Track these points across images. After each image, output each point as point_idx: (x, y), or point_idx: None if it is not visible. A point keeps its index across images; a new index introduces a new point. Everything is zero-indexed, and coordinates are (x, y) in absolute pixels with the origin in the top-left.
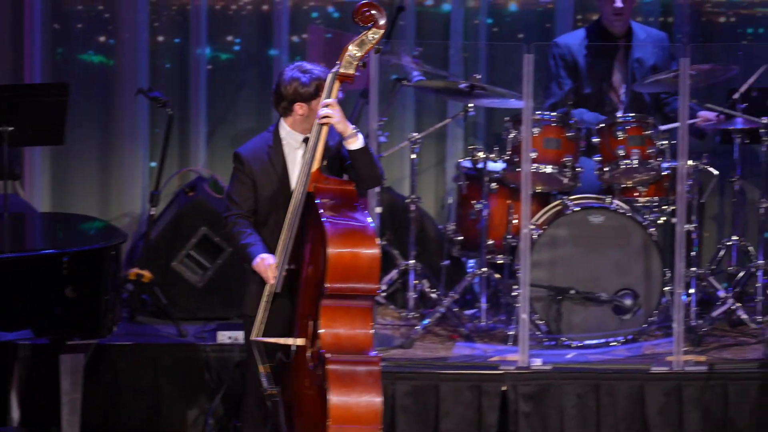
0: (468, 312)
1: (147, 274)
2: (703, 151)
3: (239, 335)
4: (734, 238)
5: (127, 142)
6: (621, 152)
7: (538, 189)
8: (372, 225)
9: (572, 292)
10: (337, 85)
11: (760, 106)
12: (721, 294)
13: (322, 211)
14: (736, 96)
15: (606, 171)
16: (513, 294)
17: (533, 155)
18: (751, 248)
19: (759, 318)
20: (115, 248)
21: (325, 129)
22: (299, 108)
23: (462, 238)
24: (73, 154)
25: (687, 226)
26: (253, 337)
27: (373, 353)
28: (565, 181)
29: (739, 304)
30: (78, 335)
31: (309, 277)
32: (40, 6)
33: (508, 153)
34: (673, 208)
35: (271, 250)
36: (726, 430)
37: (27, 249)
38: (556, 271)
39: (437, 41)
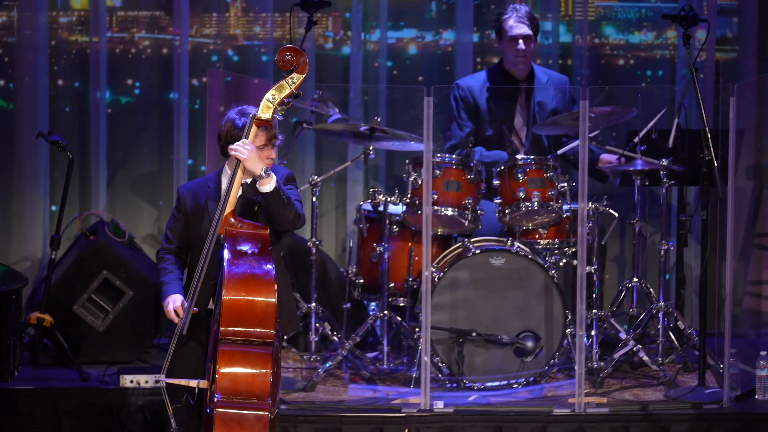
0: (370, 354)
1: (48, 318)
2: (603, 193)
3: (141, 379)
4: (635, 279)
5: (27, 185)
6: (521, 194)
7: (439, 231)
8: (273, 272)
9: (474, 334)
10: (254, 128)
11: (660, 148)
12: (623, 336)
13: (227, 255)
14: (636, 139)
15: (507, 213)
16: (415, 336)
17: (434, 198)
18: (651, 290)
19: (660, 359)
20: (16, 292)
21: (240, 174)
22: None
23: (363, 280)
24: None
25: (588, 268)
26: (161, 378)
27: (268, 400)
28: (466, 223)
29: (640, 346)
30: None
31: (214, 320)
32: None
33: (408, 195)
34: (574, 250)
35: (181, 289)
36: None
37: None
38: (458, 314)
39: (337, 84)
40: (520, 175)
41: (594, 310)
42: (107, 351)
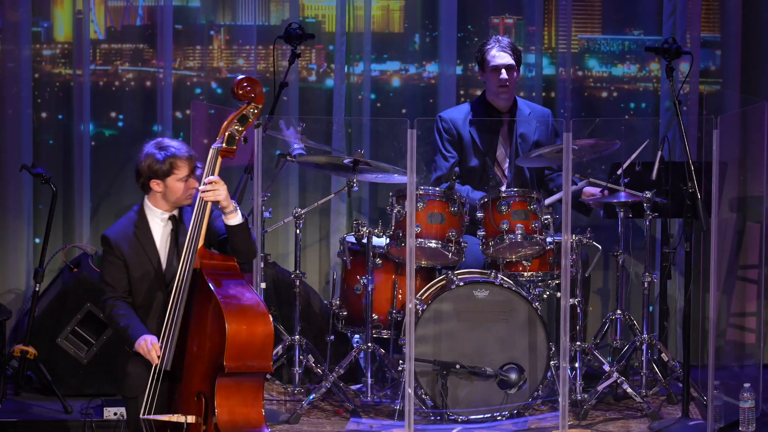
0: (354, 387)
1: (32, 350)
2: (586, 226)
3: (125, 411)
4: (618, 311)
5: (11, 218)
6: (505, 226)
7: (423, 264)
8: (263, 302)
9: (458, 366)
10: (219, 160)
11: (643, 180)
12: (606, 368)
13: (214, 288)
14: (620, 171)
15: (490, 245)
16: (398, 369)
17: (417, 230)
18: (635, 322)
19: (644, 391)
20: None
21: (209, 205)
22: (155, 185)
23: (347, 313)
24: None
25: (571, 300)
26: (142, 416)
27: (267, 430)
28: (450, 255)
29: (623, 378)
30: None
31: (198, 354)
32: None
33: (392, 228)
34: (558, 282)
35: (154, 330)
36: None
37: None
38: (442, 346)
39: (321, 116)
40: (503, 208)
41: (578, 342)
42: (91, 383)
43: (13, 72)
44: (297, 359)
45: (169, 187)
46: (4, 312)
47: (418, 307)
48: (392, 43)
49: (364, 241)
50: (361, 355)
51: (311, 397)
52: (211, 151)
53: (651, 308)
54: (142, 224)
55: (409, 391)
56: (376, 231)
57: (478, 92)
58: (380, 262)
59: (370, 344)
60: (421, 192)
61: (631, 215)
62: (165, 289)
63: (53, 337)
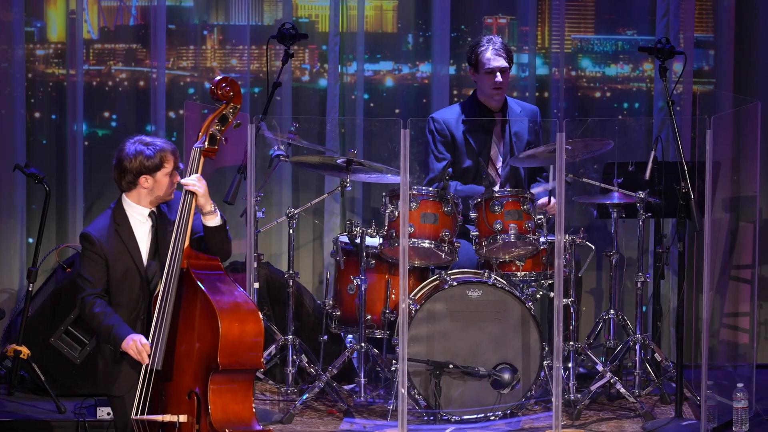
0: (347, 387)
1: (25, 350)
2: (580, 226)
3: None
4: (612, 311)
5: (4, 218)
6: (498, 226)
7: (416, 264)
8: (251, 299)
9: (451, 366)
10: (202, 160)
11: (636, 180)
12: (600, 368)
13: (204, 287)
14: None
15: (484, 245)
16: (392, 368)
17: (411, 230)
18: (628, 322)
19: (637, 391)
20: None
21: (194, 204)
22: (144, 181)
23: (340, 313)
24: None
25: (565, 300)
26: (134, 416)
27: (259, 426)
28: (443, 255)
29: (617, 378)
30: None
31: (188, 353)
32: None
33: (385, 228)
34: (551, 282)
35: (137, 329)
36: None
37: None
38: (435, 346)
39: (314, 116)
40: (497, 208)
41: (571, 342)
42: (84, 383)
43: (6, 72)
44: (290, 359)
45: (157, 181)
46: None
47: (412, 307)
48: (385, 43)
49: (358, 241)
50: (355, 355)
51: (304, 397)
52: (192, 151)
53: (644, 308)
54: (122, 222)
55: (402, 391)
56: (370, 231)
57: (471, 92)
58: (373, 262)
59: (363, 344)
60: (414, 192)
61: (624, 215)
62: (146, 287)
63: (46, 336)
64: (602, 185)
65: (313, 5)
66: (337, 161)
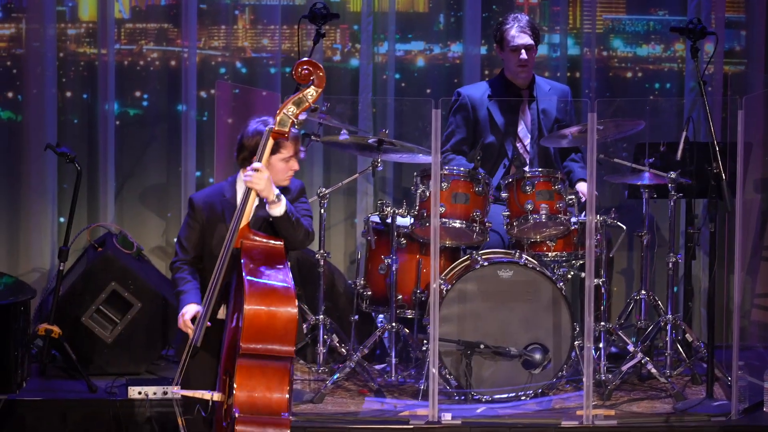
0: (378, 367)
1: (56, 329)
2: (611, 206)
3: (149, 390)
4: (643, 292)
5: (35, 197)
6: (529, 207)
7: (447, 243)
8: (293, 286)
9: (482, 346)
10: (270, 142)
11: (668, 161)
12: (631, 348)
13: (244, 268)
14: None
15: (515, 225)
16: (423, 348)
17: (442, 210)
18: (659, 302)
19: (668, 372)
20: (24, 304)
21: (253, 193)
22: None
23: (371, 292)
24: None
25: (596, 281)
26: (172, 390)
27: (285, 415)
28: (474, 235)
29: (648, 358)
30: None
31: (230, 333)
32: None
33: (416, 208)
34: (582, 262)
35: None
36: None
37: None
38: (466, 326)
39: (345, 96)
40: (528, 188)
41: (602, 323)
42: (115, 362)
43: (37, 51)
44: (321, 339)
45: (272, 164)
46: (29, 291)
47: (443, 286)
48: (417, 23)
49: (389, 220)
50: (386, 334)
51: (335, 376)
52: (264, 131)
53: (675, 289)
54: (230, 195)
55: (434, 371)
56: (401, 211)
57: None
58: (404, 241)
59: (394, 324)
60: (445, 172)
61: (655, 196)
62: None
63: (78, 316)
64: (633, 165)
65: None
66: (369, 141)
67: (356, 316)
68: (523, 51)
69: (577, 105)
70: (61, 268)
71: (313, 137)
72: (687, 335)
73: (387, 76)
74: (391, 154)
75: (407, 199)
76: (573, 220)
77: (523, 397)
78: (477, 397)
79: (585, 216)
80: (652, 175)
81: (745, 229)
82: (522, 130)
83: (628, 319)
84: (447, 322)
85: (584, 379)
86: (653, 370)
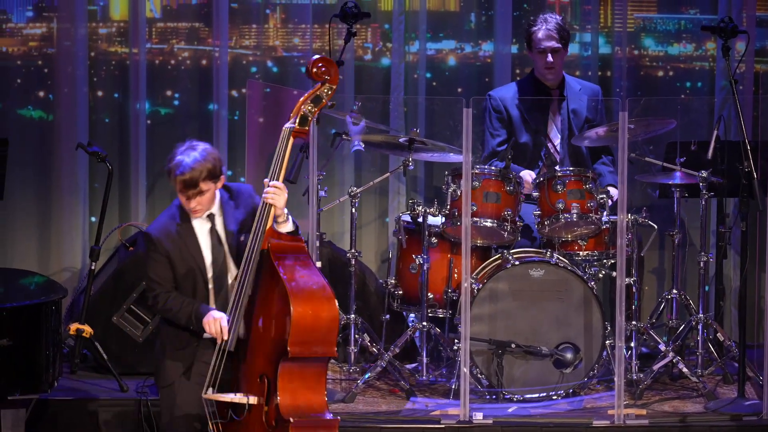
0: (409, 366)
1: (87, 328)
2: (642, 205)
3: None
4: (674, 291)
5: (66, 196)
6: (560, 206)
7: (479, 243)
8: (329, 286)
9: (513, 345)
10: (291, 141)
11: (699, 160)
12: (662, 347)
13: (280, 270)
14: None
15: (546, 225)
16: (454, 348)
17: (473, 209)
18: (691, 301)
19: (699, 371)
20: (55, 303)
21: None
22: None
23: (402, 292)
24: (12, 209)
25: (627, 280)
26: (204, 395)
27: (329, 416)
28: (506, 235)
29: (679, 358)
30: (18, 390)
31: (263, 335)
32: None
33: (448, 207)
34: (613, 261)
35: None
36: None
37: None
38: (497, 325)
39: (377, 95)
40: (559, 187)
41: (633, 322)
42: (146, 362)
43: (69, 51)
44: (352, 338)
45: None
46: (60, 290)
47: (474, 286)
48: (448, 22)
49: (420, 220)
50: (417, 334)
51: (366, 376)
52: (283, 130)
53: (707, 288)
54: (184, 221)
55: (465, 370)
56: (432, 210)
57: None
58: (436, 241)
59: (425, 323)
60: (476, 171)
61: (686, 195)
62: (207, 286)
63: (109, 315)
64: (665, 165)
65: None
66: (400, 140)
67: (387, 316)
68: (549, 54)
69: (608, 104)
70: (92, 267)
71: (344, 136)
72: (718, 334)
73: (418, 75)
74: (422, 153)
75: (438, 198)
76: (604, 219)
77: (554, 397)
78: (508, 397)
79: (616, 215)
80: (683, 174)
81: None
82: (553, 129)
83: (659, 318)
84: (478, 321)
85: (615, 379)
86: (685, 370)
